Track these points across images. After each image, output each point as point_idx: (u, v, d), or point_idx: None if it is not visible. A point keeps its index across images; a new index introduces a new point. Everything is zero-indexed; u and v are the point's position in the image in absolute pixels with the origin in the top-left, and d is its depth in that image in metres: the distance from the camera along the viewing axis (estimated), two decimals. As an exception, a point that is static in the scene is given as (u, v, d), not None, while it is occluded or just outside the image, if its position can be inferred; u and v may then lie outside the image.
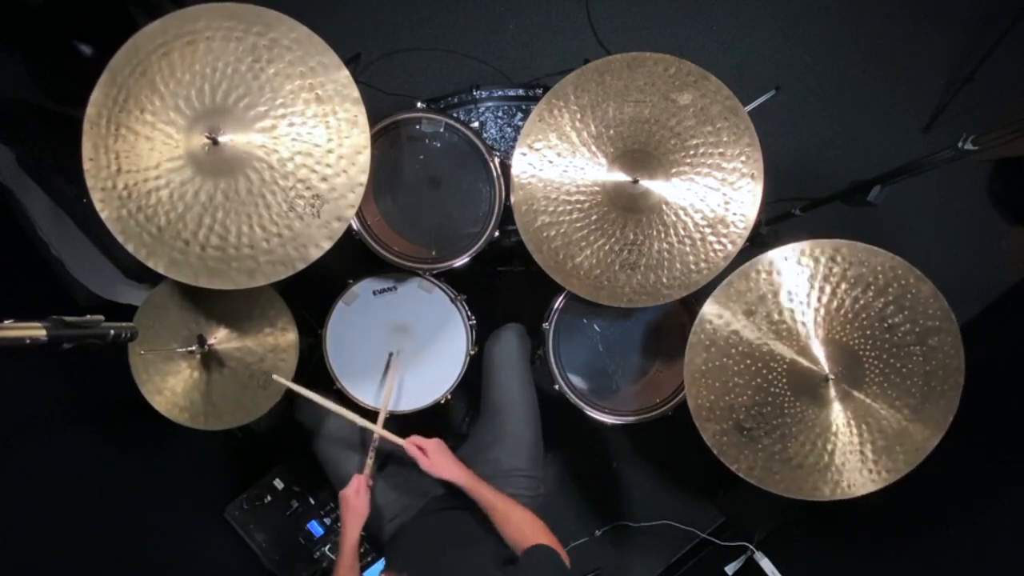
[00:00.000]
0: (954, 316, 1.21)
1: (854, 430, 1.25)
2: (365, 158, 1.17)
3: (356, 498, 1.35)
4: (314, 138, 1.17)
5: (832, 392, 1.24)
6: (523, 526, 1.23)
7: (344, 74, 1.17)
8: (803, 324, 1.24)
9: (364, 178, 1.17)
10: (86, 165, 1.15)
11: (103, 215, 1.16)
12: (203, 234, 1.18)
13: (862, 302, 1.23)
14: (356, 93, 1.17)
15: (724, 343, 1.25)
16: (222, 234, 1.18)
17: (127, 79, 1.15)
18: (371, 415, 1.48)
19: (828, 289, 1.23)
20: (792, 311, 1.24)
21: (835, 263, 1.22)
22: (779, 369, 1.25)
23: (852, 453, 1.25)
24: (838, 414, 1.25)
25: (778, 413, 1.26)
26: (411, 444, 1.36)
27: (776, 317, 1.24)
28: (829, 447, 1.25)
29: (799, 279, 1.23)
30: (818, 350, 1.24)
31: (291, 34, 1.15)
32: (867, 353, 1.24)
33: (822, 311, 1.23)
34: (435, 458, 1.34)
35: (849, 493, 1.25)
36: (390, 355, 1.56)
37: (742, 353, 1.25)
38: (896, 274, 1.21)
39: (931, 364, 1.23)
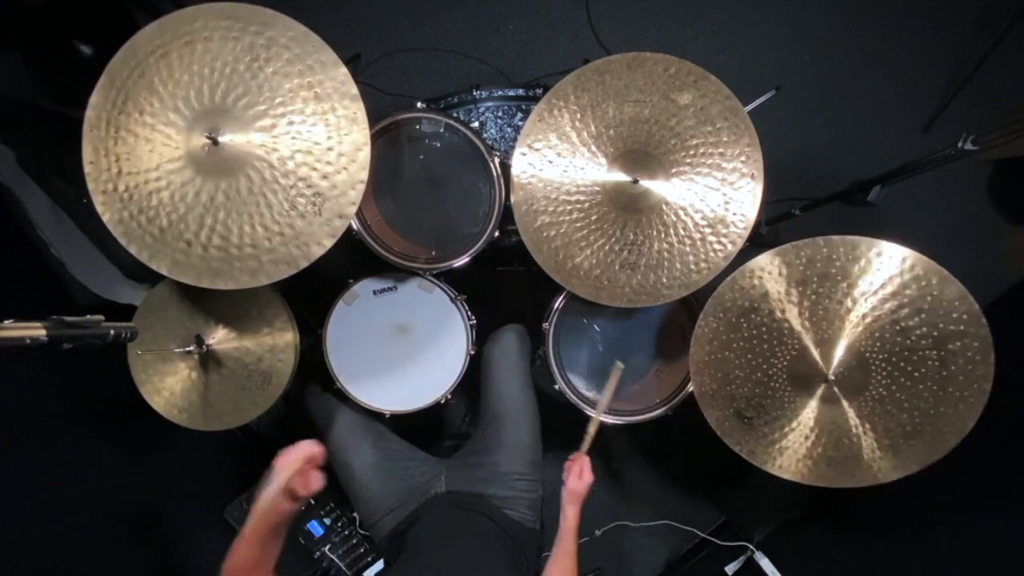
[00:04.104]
0: (984, 319, 1.16)
1: (864, 427, 1.25)
2: (365, 155, 1.17)
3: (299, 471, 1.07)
4: (314, 136, 1.17)
5: (838, 391, 1.25)
6: None
7: (342, 71, 1.16)
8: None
9: (365, 175, 1.17)
10: (87, 168, 1.15)
11: (105, 218, 1.17)
12: (205, 235, 1.18)
13: (871, 303, 1.22)
14: (355, 90, 1.17)
15: (727, 337, 1.24)
16: (224, 234, 1.18)
17: (125, 81, 1.15)
18: (376, 414, 1.52)
19: (835, 289, 1.22)
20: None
21: (845, 261, 1.22)
22: (780, 364, 1.26)
23: (857, 449, 1.25)
24: (846, 412, 1.25)
25: (777, 406, 1.27)
26: (583, 461, 1.36)
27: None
28: (828, 441, 1.26)
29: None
30: (835, 349, 1.23)
31: (288, 33, 1.15)
32: (874, 356, 1.23)
33: (823, 311, 1.23)
34: (583, 488, 1.34)
35: (851, 483, 1.27)
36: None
37: (743, 348, 1.26)
38: (916, 275, 1.18)
39: (949, 369, 1.19)
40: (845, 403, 1.25)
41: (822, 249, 1.21)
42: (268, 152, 1.16)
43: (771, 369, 1.26)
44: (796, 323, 1.24)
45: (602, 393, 1.42)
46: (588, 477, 1.34)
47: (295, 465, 1.07)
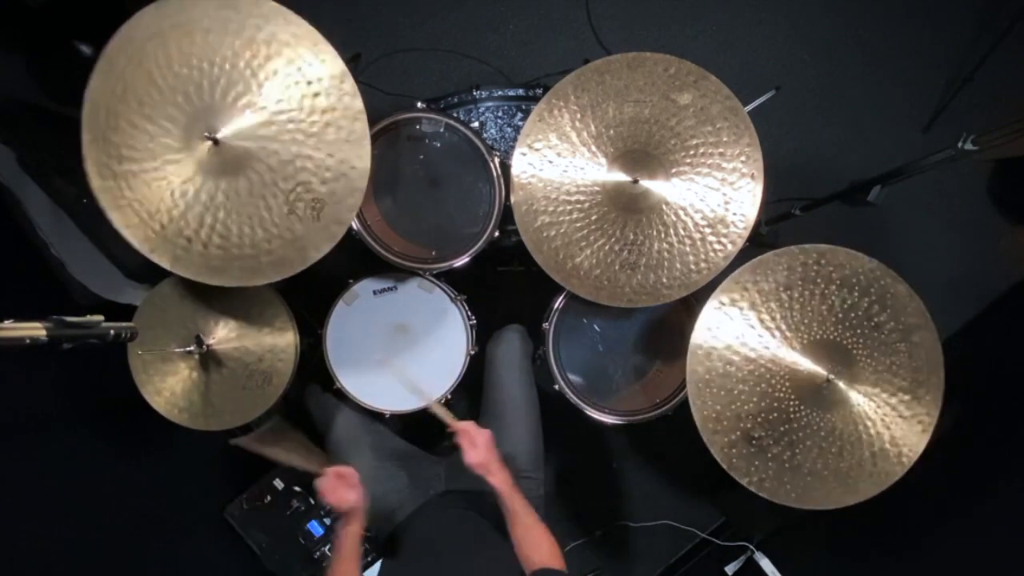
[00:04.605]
0: (928, 313, 1.24)
1: (863, 426, 1.25)
2: (365, 163, 1.17)
3: (334, 494, 1.26)
4: (314, 138, 1.16)
5: (836, 392, 1.24)
6: (541, 543, 1.21)
7: (346, 74, 1.16)
8: (793, 330, 1.25)
9: (364, 183, 1.17)
10: (85, 152, 1.14)
11: (103, 204, 1.15)
12: (205, 233, 1.18)
13: (849, 302, 1.24)
14: (357, 92, 1.16)
15: (725, 349, 1.25)
16: (224, 233, 1.18)
17: (124, 69, 1.13)
18: (376, 414, 1.52)
19: (817, 292, 1.24)
20: (783, 318, 1.24)
21: (820, 266, 1.23)
22: (781, 374, 1.25)
23: (861, 452, 1.25)
24: (846, 412, 1.25)
25: (785, 419, 1.26)
26: (463, 431, 1.29)
27: (768, 326, 1.24)
28: (835, 450, 1.25)
29: (782, 291, 1.24)
30: (814, 353, 1.24)
31: (289, 28, 1.14)
32: (859, 351, 1.25)
33: (811, 312, 1.24)
34: (484, 452, 1.27)
35: (860, 496, 1.25)
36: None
37: (745, 358, 1.25)
38: (875, 275, 1.23)
39: (917, 360, 1.24)
40: (861, 384, 1.25)
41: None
42: (268, 155, 1.15)
43: (774, 379, 1.25)
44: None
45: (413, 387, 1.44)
46: (481, 439, 1.28)
47: (329, 486, 1.26)
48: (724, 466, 1.25)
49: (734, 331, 1.25)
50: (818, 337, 1.24)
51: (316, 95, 1.16)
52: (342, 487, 1.26)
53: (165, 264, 1.18)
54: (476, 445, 1.28)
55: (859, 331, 1.25)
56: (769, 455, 1.25)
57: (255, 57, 1.14)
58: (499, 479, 1.27)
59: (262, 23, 1.14)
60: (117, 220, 1.16)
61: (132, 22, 1.13)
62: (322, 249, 1.18)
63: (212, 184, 1.17)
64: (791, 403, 1.25)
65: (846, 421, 1.25)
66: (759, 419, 1.25)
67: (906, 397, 1.24)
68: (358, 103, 1.16)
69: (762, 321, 1.24)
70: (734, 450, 1.26)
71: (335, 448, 1.55)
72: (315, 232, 1.18)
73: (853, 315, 1.24)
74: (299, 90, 1.16)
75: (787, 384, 1.25)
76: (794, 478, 1.25)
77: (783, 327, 1.24)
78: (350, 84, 1.16)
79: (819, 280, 1.24)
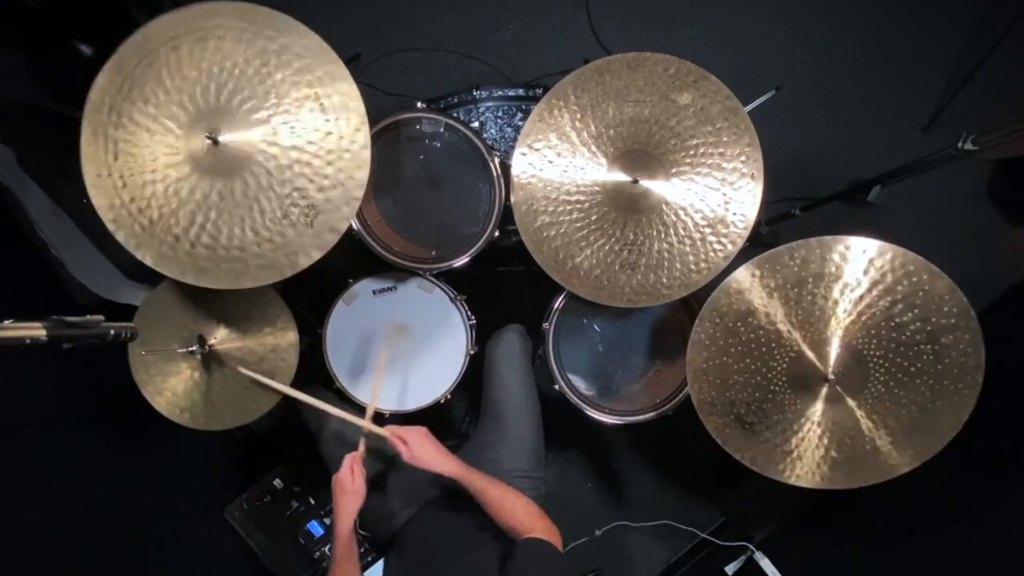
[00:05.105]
0: (974, 313, 1.18)
1: (868, 423, 1.25)
2: (364, 173, 1.17)
3: (351, 479, 1.28)
4: (315, 147, 1.16)
5: (826, 391, 1.24)
6: (516, 510, 1.23)
7: (351, 85, 1.16)
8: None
9: (360, 192, 1.16)
10: (84, 149, 1.14)
11: (96, 201, 1.15)
12: (194, 232, 1.17)
13: (867, 301, 1.22)
14: (361, 106, 1.16)
15: (726, 336, 1.25)
16: (214, 234, 1.17)
17: (133, 69, 1.14)
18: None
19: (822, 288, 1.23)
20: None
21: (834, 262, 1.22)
22: (778, 368, 1.25)
23: (852, 449, 1.25)
24: (851, 411, 1.25)
25: (778, 409, 1.27)
26: (392, 435, 1.30)
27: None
28: (827, 440, 1.26)
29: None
30: (830, 348, 1.23)
31: (302, 41, 1.15)
32: (872, 353, 1.23)
33: (818, 311, 1.23)
34: (416, 449, 1.27)
35: (860, 481, 1.26)
36: (380, 351, 1.54)
37: (740, 352, 1.26)
38: (907, 271, 1.19)
39: (943, 363, 1.20)
40: (850, 401, 1.24)
41: (794, 254, 1.21)
42: (267, 159, 1.15)
43: (770, 372, 1.26)
44: (786, 328, 1.24)
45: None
46: (412, 436, 1.29)
47: (347, 476, 1.28)
48: (719, 442, 1.27)
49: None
50: (820, 337, 1.24)
51: (323, 108, 1.16)
52: (358, 479, 1.28)
53: (148, 261, 1.17)
54: (407, 442, 1.28)
55: (874, 331, 1.22)
56: (761, 439, 1.27)
57: (265, 66, 1.15)
58: (448, 468, 1.28)
59: (275, 34, 1.14)
60: (107, 216, 1.16)
61: (150, 26, 1.14)
62: (313, 256, 1.18)
63: (208, 184, 1.16)
64: (785, 395, 1.26)
65: (854, 418, 1.25)
66: (752, 407, 1.27)
67: (922, 400, 1.22)
68: (360, 109, 1.16)
69: (758, 323, 1.24)
70: (728, 431, 1.28)
71: (329, 451, 1.54)
72: (307, 238, 1.17)
73: (865, 315, 1.22)
74: (306, 100, 1.16)
75: (783, 378, 1.26)
76: (799, 466, 1.27)
77: (778, 329, 1.24)
78: (354, 91, 1.15)
79: (814, 278, 1.22)
